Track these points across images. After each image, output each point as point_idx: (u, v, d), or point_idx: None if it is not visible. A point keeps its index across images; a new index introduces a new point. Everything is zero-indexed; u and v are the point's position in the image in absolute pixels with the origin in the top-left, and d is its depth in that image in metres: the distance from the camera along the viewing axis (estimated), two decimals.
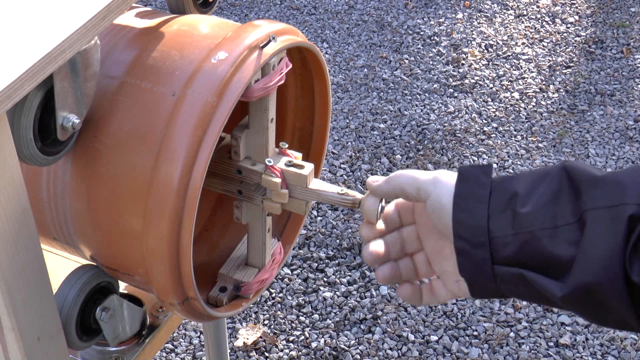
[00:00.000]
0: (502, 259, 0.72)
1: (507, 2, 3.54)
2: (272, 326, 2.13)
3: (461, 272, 0.75)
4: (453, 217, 0.74)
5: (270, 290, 2.22)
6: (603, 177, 0.69)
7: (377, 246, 0.85)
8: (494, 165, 2.66)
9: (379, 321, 2.14)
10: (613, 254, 0.65)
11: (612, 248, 0.66)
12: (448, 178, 0.77)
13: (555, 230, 0.69)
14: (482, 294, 0.76)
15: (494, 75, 3.09)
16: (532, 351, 2.07)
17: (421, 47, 3.24)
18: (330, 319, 2.15)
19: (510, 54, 3.22)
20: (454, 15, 3.45)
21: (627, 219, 0.65)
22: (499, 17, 3.44)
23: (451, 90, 3.01)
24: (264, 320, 2.14)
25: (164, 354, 2.06)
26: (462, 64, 3.14)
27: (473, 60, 3.17)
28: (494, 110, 2.92)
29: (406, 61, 3.16)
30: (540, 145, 2.76)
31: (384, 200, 0.87)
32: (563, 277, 0.69)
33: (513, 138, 2.79)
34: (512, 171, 2.65)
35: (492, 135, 2.80)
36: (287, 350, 2.07)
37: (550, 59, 3.19)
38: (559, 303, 0.70)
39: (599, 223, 0.67)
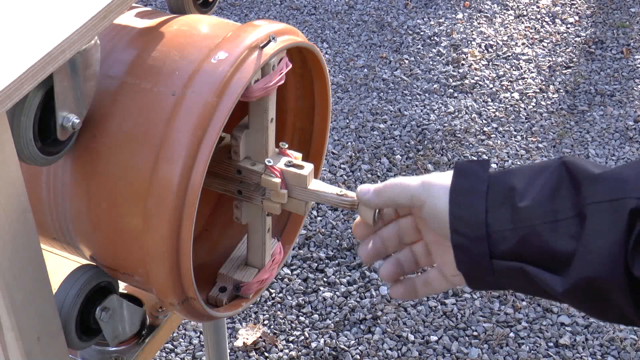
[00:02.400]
0: (500, 253, 0.71)
1: (507, 3, 3.54)
2: (272, 326, 2.13)
3: (458, 267, 0.75)
4: (450, 212, 0.73)
5: (270, 290, 2.22)
6: (603, 172, 0.69)
7: (372, 243, 0.85)
8: (494, 166, 2.67)
9: (378, 321, 2.14)
10: (614, 248, 0.65)
11: (613, 242, 0.65)
12: (441, 180, 0.76)
13: (556, 224, 0.69)
14: (480, 286, 0.76)
15: (494, 75, 3.09)
16: (532, 351, 2.07)
17: (421, 48, 3.24)
18: (330, 319, 2.15)
19: (510, 54, 3.22)
20: (454, 15, 3.45)
21: (628, 213, 0.65)
22: (499, 17, 3.44)
23: (451, 90, 3.01)
24: (263, 320, 2.14)
25: (164, 354, 2.06)
26: (462, 64, 3.14)
27: (473, 60, 3.17)
28: (494, 110, 2.92)
29: (406, 61, 3.16)
30: (540, 145, 2.76)
31: None
32: (563, 271, 0.69)
33: (513, 138, 2.79)
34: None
35: (492, 136, 2.80)
36: (286, 351, 2.07)
37: (550, 59, 3.19)
38: (559, 297, 0.70)
39: (599, 217, 0.66)
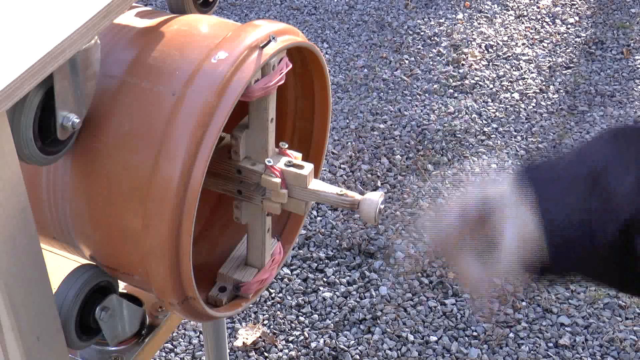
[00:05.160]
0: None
1: (508, 3, 3.54)
2: (272, 326, 2.13)
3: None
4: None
5: (270, 290, 2.22)
6: None
7: None
8: (494, 166, 2.67)
9: (378, 321, 2.14)
10: None
11: None
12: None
13: None
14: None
15: (494, 75, 3.09)
16: (532, 352, 2.07)
17: (421, 48, 3.24)
18: (329, 319, 2.15)
19: (510, 54, 3.22)
20: (454, 15, 3.45)
21: None
22: (499, 17, 3.44)
23: (451, 90, 3.01)
24: (263, 320, 2.14)
25: (164, 354, 2.06)
26: (462, 65, 3.14)
27: (473, 60, 3.17)
28: (494, 110, 2.92)
29: (406, 61, 3.16)
30: (540, 146, 2.76)
31: (382, 202, 0.87)
32: None
33: (513, 139, 2.79)
34: (511, 172, 2.65)
35: (492, 136, 2.80)
36: (286, 351, 2.07)
37: (551, 59, 3.19)
38: None
39: None
